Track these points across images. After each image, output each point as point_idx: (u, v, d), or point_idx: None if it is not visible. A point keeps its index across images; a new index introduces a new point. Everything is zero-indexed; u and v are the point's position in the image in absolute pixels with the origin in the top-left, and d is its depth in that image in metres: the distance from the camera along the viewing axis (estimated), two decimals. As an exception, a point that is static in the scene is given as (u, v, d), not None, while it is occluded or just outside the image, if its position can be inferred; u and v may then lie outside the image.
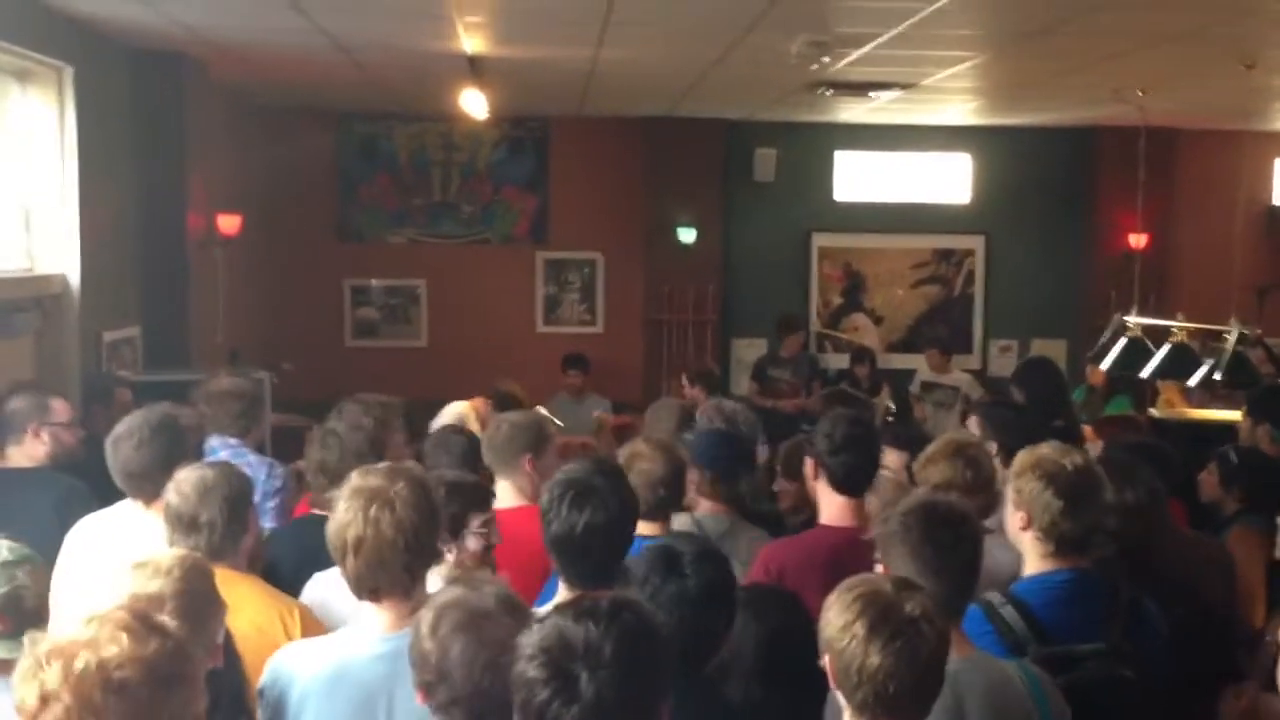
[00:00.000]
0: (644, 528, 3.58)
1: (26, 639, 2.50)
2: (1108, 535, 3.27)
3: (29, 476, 4.22)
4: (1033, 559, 3.04)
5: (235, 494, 3.18)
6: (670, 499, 3.68)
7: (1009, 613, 2.88)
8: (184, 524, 3.11)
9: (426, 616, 2.21)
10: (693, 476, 3.88)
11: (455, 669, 2.12)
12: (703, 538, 2.95)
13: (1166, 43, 6.23)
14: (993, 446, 4.25)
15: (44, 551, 3.59)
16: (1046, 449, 3.10)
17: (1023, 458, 3.10)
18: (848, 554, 3.38)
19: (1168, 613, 3.13)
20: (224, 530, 3.12)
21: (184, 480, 3.16)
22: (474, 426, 6.29)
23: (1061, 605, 2.94)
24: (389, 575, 2.56)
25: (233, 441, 4.46)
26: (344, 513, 2.59)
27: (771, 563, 3.48)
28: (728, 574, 2.68)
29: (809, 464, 3.73)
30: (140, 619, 1.70)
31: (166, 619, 1.75)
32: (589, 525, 2.85)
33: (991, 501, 3.67)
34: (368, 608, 2.62)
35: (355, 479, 2.65)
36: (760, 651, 2.74)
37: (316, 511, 3.81)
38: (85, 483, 4.12)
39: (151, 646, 1.65)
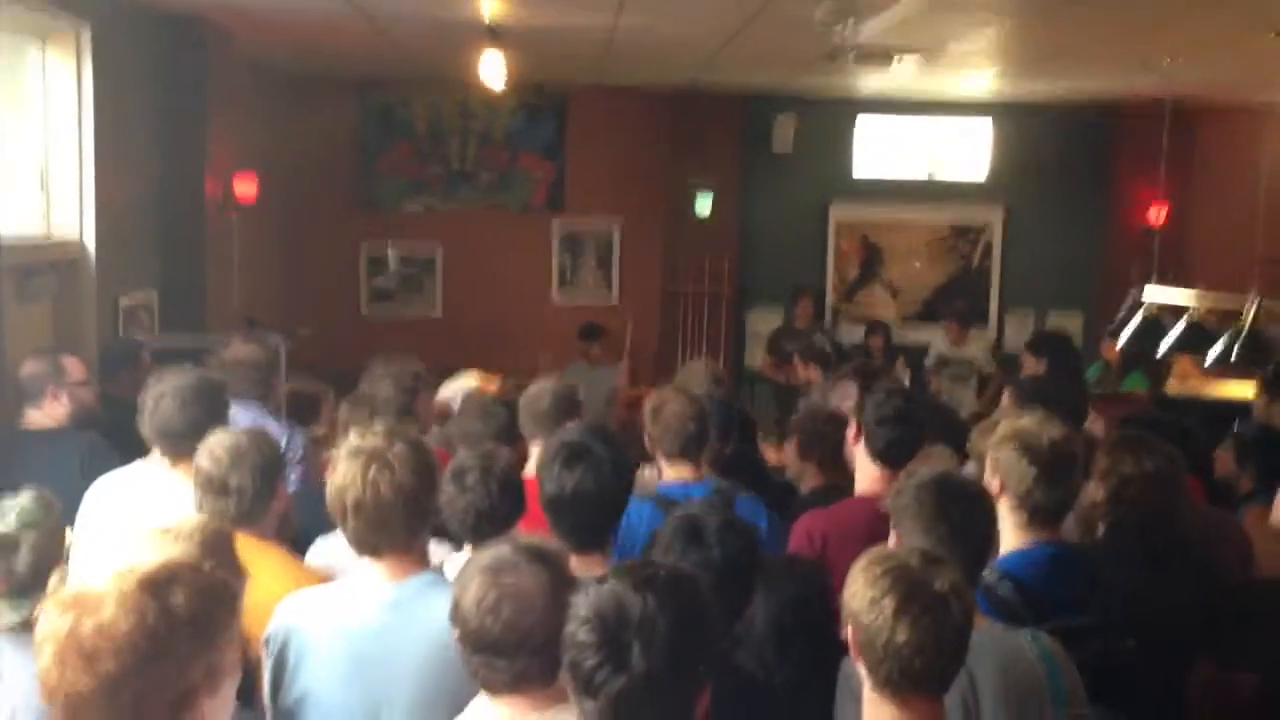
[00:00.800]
0: (674, 471, 3.80)
1: (55, 576, 2.52)
2: (1129, 504, 3.27)
3: (52, 436, 4.28)
4: (1007, 530, 3.05)
5: (267, 461, 3.20)
6: (699, 437, 3.81)
7: (1005, 588, 2.89)
8: (214, 488, 3.13)
9: (464, 565, 2.27)
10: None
11: (465, 605, 2.17)
12: (726, 509, 2.95)
13: (1197, 8, 6.14)
14: None
15: (71, 507, 3.64)
16: (1026, 420, 3.15)
17: (1002, 428, 3.17)
18: (882, 524, 3.39)
19: (1162, 575, 3.15)
20: (253, 496, 3.14)
21: (216, 444, 3.18)
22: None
23: (1047, 580, 2.96)
24: (389, 534, 2.60)
25: (252, 407, 4.49)
26: (342, 474, 2.61)
27: (814, 532, 3.49)
28: (752, 546, 2.70)
29: (852, 427, 3.71)
30: (145, 588, 1.71)
31: (183, 592, 1.74)
32: (579, 487, 2.92)
33: None
34: (367, 561, 2.65)
35: (353, 439, 2.67)
36: (773, 620, 2.75)
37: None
38: (110, 443, 4.16)
39: (134, 621, 1.67)
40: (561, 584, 2.19)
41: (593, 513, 2.92)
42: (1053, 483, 3.01)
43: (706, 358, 7.38)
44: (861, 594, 2.17)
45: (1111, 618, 2.93)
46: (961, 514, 2.66)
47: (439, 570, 2.76)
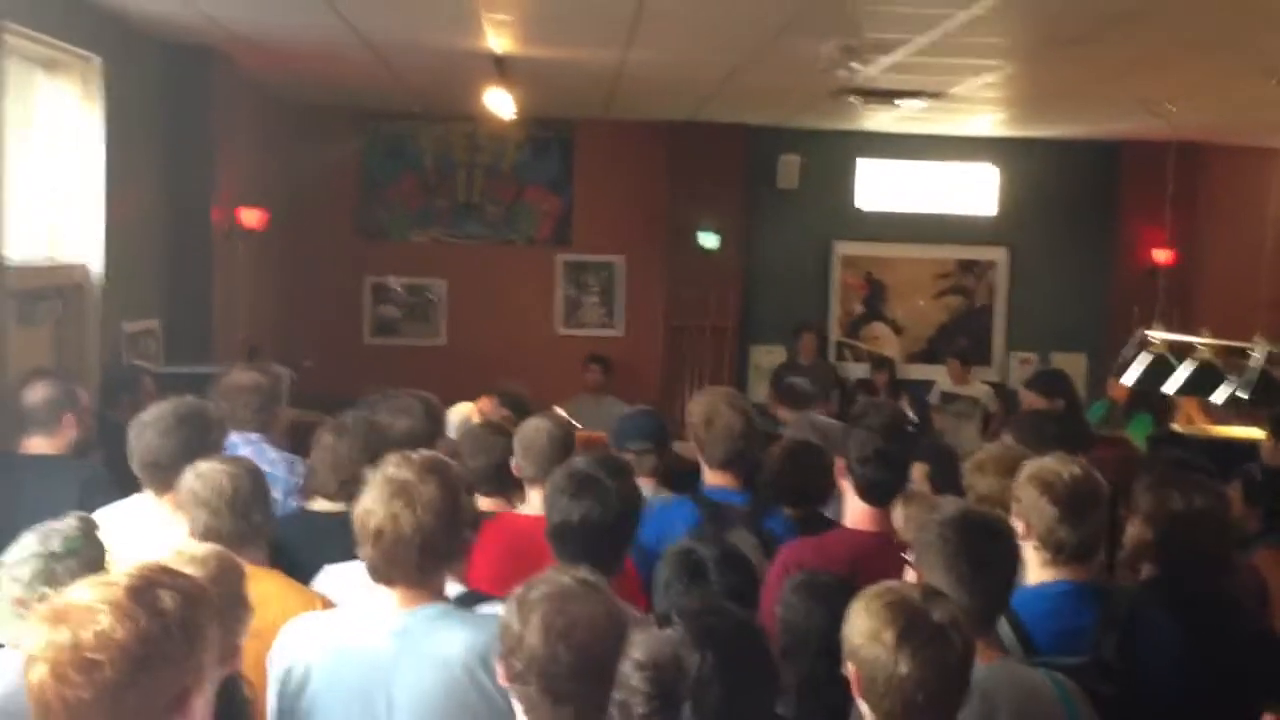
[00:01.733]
0: (718, 478, 3.92)
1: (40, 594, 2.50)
2: (1176, 546, 3.19)
3: (52, 464, 4.23)
4: (1034, 568, 3.04)
5: (256, 490, 3.17)
6: (747, 452, 3.95)
7: (1001, 625, 2.84)
8: (205, 517, 3.10)
9: (515, 592, 2.23)
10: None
11: (531, 635, 2.12)
12: (728, 542, 2.93)
13: (1197, 55, 6.19)
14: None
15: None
16: (1048, 459, 3.12)
17: (1024, 468, 3.13)
18: (869, 560, 3.37)
19: (1213, 629, 3.07)
20: (246, 525, 3.11)
21: (206, 472, 3.15)
22: None
23: (1053, 617, 2.93)
24: (402, 570, 2.56)
25: (253, 437, 4.43)
26: (369, 500, 2.58)
27: (790, 562, 3.46)
28: (751, 579, 2.67)
29: (839, 463, 3.70)
30: (135, 593, 1.72)
31: (168, 596, 1.74)
32: (586, 518, 2.90)
33: None
34: (381, 590, 2.62)
35: (390, 467, 2.62)
36: (821, 639, 2.70)
37: (319, 506, 3.79)
38: (110, 471, 4.12)
39: (130, 628, 1.68)
40: (620, 614, 2.19)
41: (599, 543, 2.90)
42: (1075, 521, 2.97)
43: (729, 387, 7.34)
44: (861, 629, 2.15)
45: (1106, 658, 2.88)
46: (984, 552, 2.63)
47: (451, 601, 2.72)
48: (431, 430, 4.36)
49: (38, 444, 4.30)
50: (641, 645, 1.88)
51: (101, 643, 1.67)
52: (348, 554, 3.20)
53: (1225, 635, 3.10)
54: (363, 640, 2.58)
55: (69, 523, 2.75)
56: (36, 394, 4.32)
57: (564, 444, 3.91)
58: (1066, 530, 2.96)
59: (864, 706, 2.18)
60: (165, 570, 1.83)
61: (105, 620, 1.67)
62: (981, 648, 2.44)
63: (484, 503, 3.81)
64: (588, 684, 2.09)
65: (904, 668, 2.08)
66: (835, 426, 5.92)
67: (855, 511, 3.63)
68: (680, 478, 4.40)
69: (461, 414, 6.31)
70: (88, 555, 2.74)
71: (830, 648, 2.37)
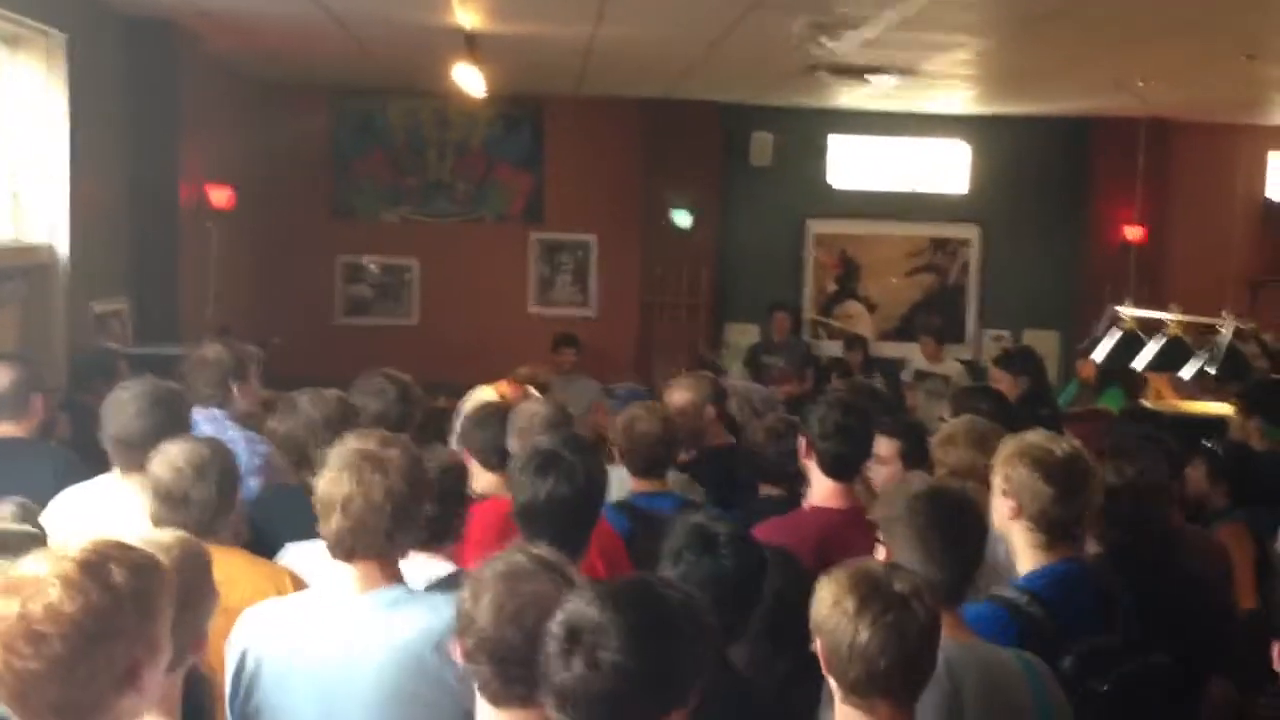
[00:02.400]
0: (640, 484, 3.97)
1: None
2: (1120, 520, 3.22)
3: (25, 446, 4.17)
4: (1023, 549, 2.99)
5: (226, 470, 3.14)
6: (665, 458, 4.00)
7: (1036, 612, 2.83)
8: (174, 500, 3.05)
9: (471, 572, 2.25)
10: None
11: (481, 615, 2.13)
12: (733, 520, 2.93)
13: (1169, 32, 6.19)
14: None
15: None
16: (1033, 436, 3.06)
17: (1010, 445, 3.06)
18: (836, 535, 3.40)
19: (1165, 601, 3.10)
20: (215, 508, 3.07)
21: (175, 455, 3.10)
22: None
23: (1065, 599, 2.90)
24: (370, 538, 2.55)
25: (216, 413, 4.39)
26: (334, 471, 2.58)
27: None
28: (761, 558, 2.67)
29: (802, 442, 3.71)
30: (87, 567, 1.73)
31: (119, 570, 1.76)
32: (552, 495, 2.91)
33: None
34: (340, 569, 2.61)
35: (351, 442, 2.64)
36: (764, 617, 2.71)
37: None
38: (80, 455, 4.08)
39: (80, 602, 1.70)
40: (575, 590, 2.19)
41: (567, 520, 2.90)
42: (1069, 499, 2.93)
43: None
44: (824, 600, 2.17)
45: (1135, 635, 2.88)
46: (953, 527, 2.62)
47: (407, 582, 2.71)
48: (404, 412, 4.33)
49: (6, 428, 4.23)
50: (558, 616, 1.95)
51: (50, 615, 1.68)
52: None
53: (1176, 609, 3.13)
54: (319, 626, 2.57)
55: (8, 509, 2.72)
56: (3, 377, 4.26)
57: (558, 427, 3.92)
58: (1060, 509, 2.92)
59: (832, 683, 2.19)
60: (119, 545, 1.82)
61: (54, 593, 1.69)
62: (951, 625, 2.44)
63: (483, 480, 3.80)
64: (538, 664, 2.09)
65: (864, 634, 2.09)
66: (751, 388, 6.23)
67: (822, 488, 3.64)
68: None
69: (483, 398, 6.26)
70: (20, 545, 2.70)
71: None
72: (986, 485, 3.30)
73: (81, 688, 1.70)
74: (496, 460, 3.91)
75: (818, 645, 2.19)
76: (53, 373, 5.60)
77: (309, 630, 2.58)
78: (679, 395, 4.82)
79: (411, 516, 2.62)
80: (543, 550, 2.25)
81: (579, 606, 1.92)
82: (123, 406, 3.60)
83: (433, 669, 2.49)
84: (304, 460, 3.64)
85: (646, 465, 3.99)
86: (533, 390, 6.40)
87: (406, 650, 2.52)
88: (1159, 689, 2.77)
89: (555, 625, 1.92)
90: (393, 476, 2.55)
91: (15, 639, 1.67)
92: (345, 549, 2.57)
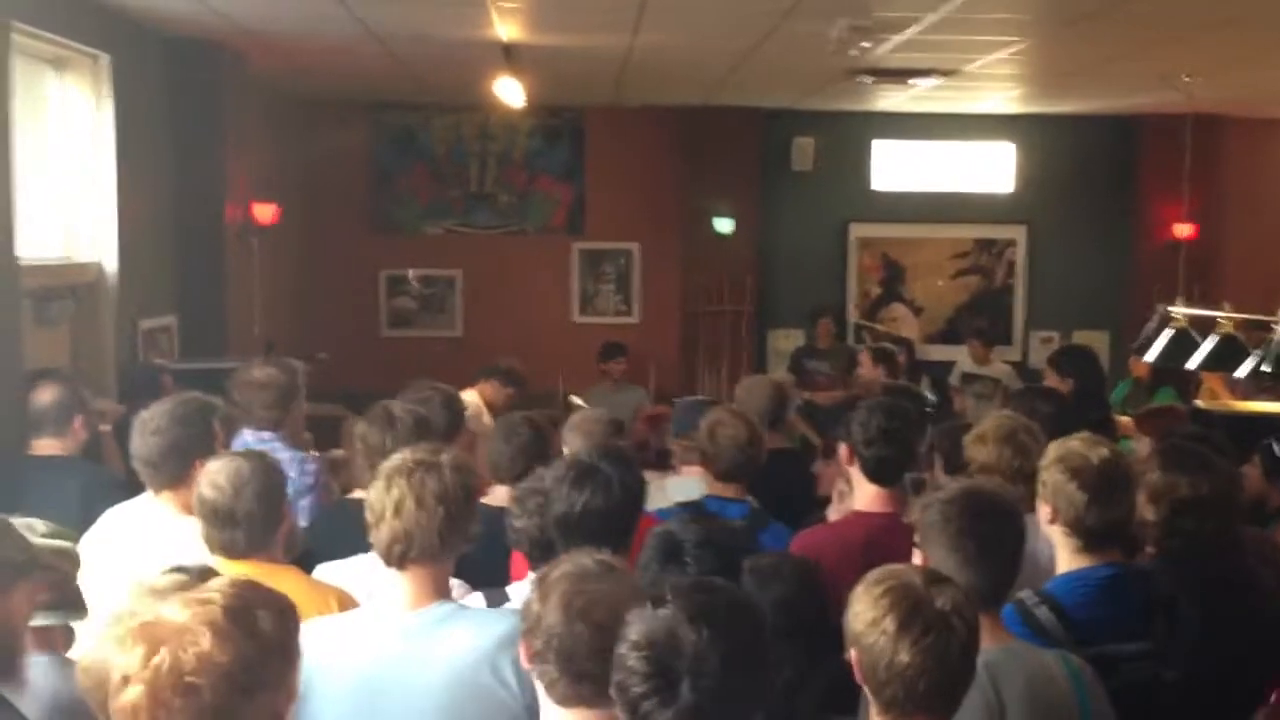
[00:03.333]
0: (719, 488, 3.97)
1: (114, 608, 2.46)
2: (1180, 532, 3.15)
3: (56, 464, 4.23)
4: (1064, 554, 2.97)
5: (271, 485, 3.13)
6: (753, 461, 3.96)
7: (1043, 613, 2.81)
8: (220, 518, 3.05)
9: (538, 573, 2.25)
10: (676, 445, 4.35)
11: (550, 613, 2.13)
12: (710, 522, 2.93)
13: (1214, 26, 6.10)
14: None
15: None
16: (1075, 441, 3.03)
17: (1051, 449, 3.05)
18: (883, 540, 3.36)
19: (1226, 611, 3.03)
20: (261, 523, 3.07)
21: (217, 472, 3.09)
22: (485, 417, 6.26)
23: (1096, 604, 2.86)
24: (424, 540, 2.56)
25: (265, 435, 4.40)
26: (386, 479, 2.60)
27: (809, 551, 3.44)
28: (731, 561, 2.65)
29: (843, 449, 3.68)
30: (233, 614, 1.68)
31: (265, 617, 1.71)
32: (588, 506, 2.91)
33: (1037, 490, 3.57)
34: (391, 580, 2.60)
35: (396, 457, 2.67)
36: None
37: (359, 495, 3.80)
38: (126, 473, 4.12)
39: (231, 653, 1.64)
40: (639, 596, 2.17)
41: (601, 531, 2.88)
42: (1104, 505, 2.90)
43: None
44: (862, 615, 2.12)
45: (1164, 645, 2.83)
46: (989, 530, 2.59)
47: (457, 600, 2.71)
48: (450, 422, 4.35)
49: (47, 445, 4.30)
50: (636, 625, 1.87)
51: (202, 666, 1.62)
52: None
53: (1236, 617, 3.06)
54: (371, 642, 2.57)
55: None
56: (47, 396, 4.31)
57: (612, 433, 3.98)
58: (1095, 515, 2.89)
59: (867, 692, 2.16)
60: (256, 587, 1.79)
61: (205, 642, 1.63)
62: (991, 628, 2.40)
63: (498, 495, 3.80)
64: (605, 662, 2.08)
65: (904, 656, 2.05)
66: None
67: (865, 494, 3.62)
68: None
69: (472, 405, 6.29)
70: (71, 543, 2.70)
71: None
72: (1012, 481, 3.27)
73: None
74: (511, 477, 3.91)
75: (852, 656, 2.15)
76: (102, 390, 5.68)
77: (360, 648, 2.57)
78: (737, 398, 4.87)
79: (462, 523, 2.63)
80: (603, 554, 2.26)
81: (667, 624, 1.84)
82: (143, 426, 3.60)
83: (485, 686, 2.49)
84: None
85: (726, 470, 3.98)
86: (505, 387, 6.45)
87: (458, 668, 2.52)
88: (1156, 705, 2.71)
89: (637, 637, 1.85)
90: (447, 480, 2.58)
91: (164, 689, 1.61)
92: (397, 556, 2.58)
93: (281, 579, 2.97)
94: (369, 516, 2.62)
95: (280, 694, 1.73)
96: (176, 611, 1.67)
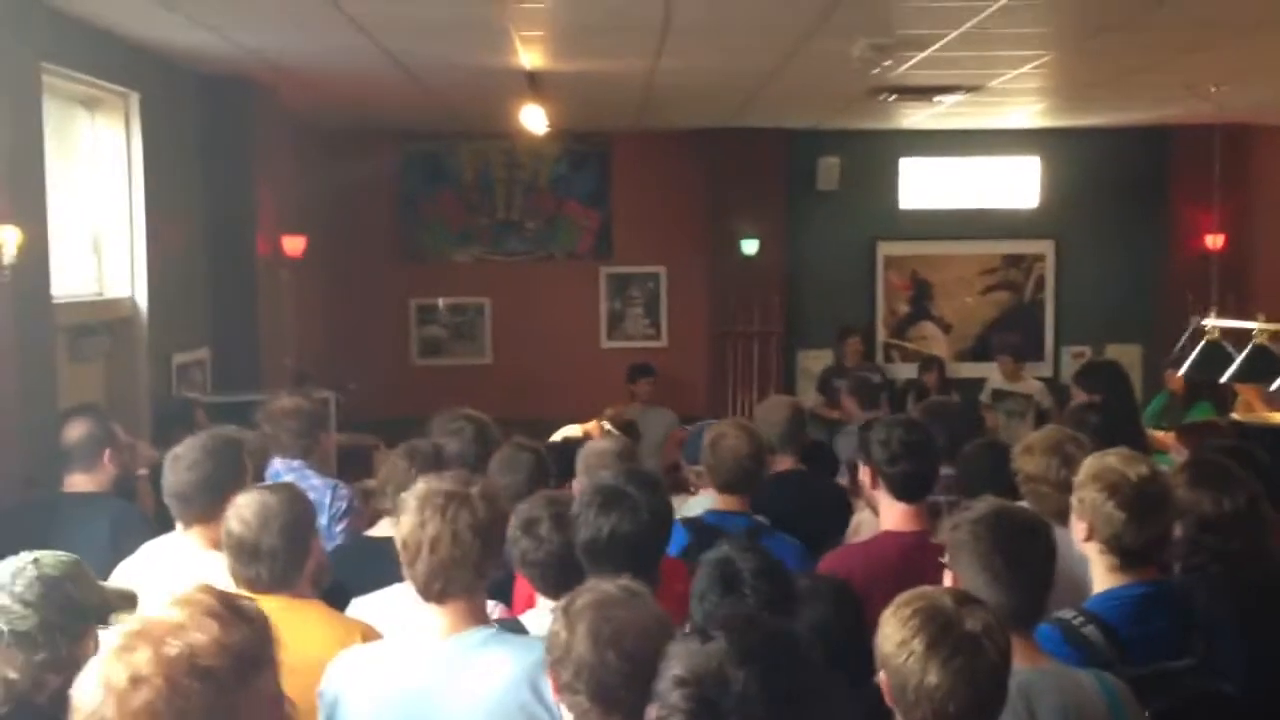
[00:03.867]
0: (721, 501, 3.98)
1: (113, 618, 2.44)
2: (1206, 550, 3.12)
3: (87, 501, 4.24)
4: (1100, 572, 2.94)
5: (297, 519, 3.10)
6: (753, 474, 3.96)
7: (1091, 632, 2.76)
8: (246, 552, 3.04)
9: (561, 602, 2.23)
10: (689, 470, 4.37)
11: (579, 643, 2.11)
12: (764, 551, 2.90)
13: (1240, 35, 6.06)
14: None
15: (100, 575, 3.59)
16: (1112, 458, 2.99)
17: (1087, 466, 3.01)
18: (914, 559, 3.34)
19: (1262, 624, 2.98)
20: (286, 558, 3.04)
21: (244, 506, 3.08)
22: None
23: (1137, 622, 2.82)
24: (461, 574, 2.55)
25: (295, 463, 4.43)
26: (417, 514, 2.57)
27: (840, 571, 3.41)
28: (787, 589, 2.63)
29: (866, 472, 3.65)
30: (227, 604, 1.75)
31: (248, 604, 1.80)
32: (615, 531, 2.89)
33: None
34: (429, 611, 2.60)
35: (424, 486, 2.63)
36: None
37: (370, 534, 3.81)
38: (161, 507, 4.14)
39: (237, 635, 1.71)
40: (666, 620, 2.17)
41: (629, 557, 2.86)
42: (1142, 523, 2.86)
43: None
44: (891, 637, 2.11)
45: (1211, 660, 2.80)
46: (1019, 549, 2.56)
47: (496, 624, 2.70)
48: (481, 452, 4.34)
49: (78, 481, 4.31)
50: (681, 659, 1.82)
51: (215, 648, 1.67)
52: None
53: (1273, 628, 3.02)
54: (410, 669, 2.57)
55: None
56: (76, 431, 4.33)
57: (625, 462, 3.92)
58: (1133, 534, 2.85)
59: (897, 714, 2.14)
60: (227, 590, 1.86)
61: (212, 628, 1.69)
62: (1024, 649, 2.38)
63: None
64: (636, 690, 2.07)
65: (933, 678, 2.03)
66: None
67: (893, 513, 3.58)
68: None
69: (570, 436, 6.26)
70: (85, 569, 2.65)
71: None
72: (1059, 491, 3.23)
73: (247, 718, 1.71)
74: None
75: (881, 677, 2.14)
76: (136, 425, 5.73)
77: (398, 675, 2.57)
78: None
79: (496, 551, 2.62)
80: (626, 581, 2.25)
81: (714, 660, 1.79)
82: (175, 462, 3.61)
83: (526, 708, 2.47)
84: None
85: (727, 482, 3.99)
86: (610, 428, 6.41)
87: (499, 692, 2.51)
88: (1221, 716, 2.67)
89: (682, 672, 1.80)
90: (479, 511, 2.56)
91: (181, 678, 1.64)
92: (435, 591, 2.56)
93: (306, 614, 2.97)
94: (402, 551, 2.60)
95: (278, 673, 1.79)
96: (168, 612, 1.72)
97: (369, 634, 3.03)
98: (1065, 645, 2.73)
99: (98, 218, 6.13)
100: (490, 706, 2.49)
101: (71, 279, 5.76)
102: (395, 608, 3.13)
